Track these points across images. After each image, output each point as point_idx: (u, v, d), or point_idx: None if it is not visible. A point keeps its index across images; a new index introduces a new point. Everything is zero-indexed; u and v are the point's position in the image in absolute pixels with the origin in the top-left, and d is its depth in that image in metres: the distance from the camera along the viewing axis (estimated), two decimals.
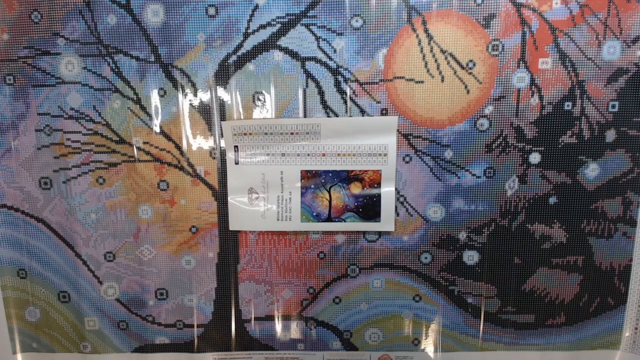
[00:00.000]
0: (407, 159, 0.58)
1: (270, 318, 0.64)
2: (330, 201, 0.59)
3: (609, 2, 0.52)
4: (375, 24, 0.54)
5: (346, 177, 0.58)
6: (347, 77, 0.56)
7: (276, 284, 0.63)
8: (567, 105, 0.55)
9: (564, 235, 0.59)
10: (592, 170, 0.57)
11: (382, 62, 0.55)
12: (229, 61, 0.56)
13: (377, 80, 0.55)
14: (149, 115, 0.58)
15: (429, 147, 0.57)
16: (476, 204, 0.59)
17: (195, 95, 0.57)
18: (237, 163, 0.58)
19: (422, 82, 0.55)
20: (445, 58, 0.54)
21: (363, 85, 0.56)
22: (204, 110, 0.57)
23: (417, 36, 0.54)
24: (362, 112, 0.56)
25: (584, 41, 0.53)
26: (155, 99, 0.57)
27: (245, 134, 0.57)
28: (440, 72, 0.55)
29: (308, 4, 0.54)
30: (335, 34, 0.54)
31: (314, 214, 0.59)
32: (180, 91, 0.57)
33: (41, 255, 0.62)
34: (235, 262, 0.62)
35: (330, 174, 0.58)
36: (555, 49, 0.54)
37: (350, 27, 0.54)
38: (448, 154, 0.57)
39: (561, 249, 0.59)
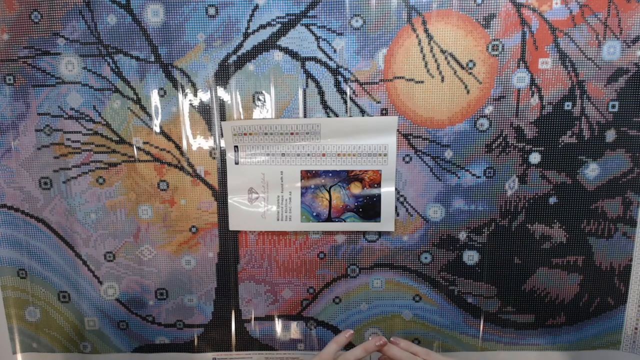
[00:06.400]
0: (407, 159, 0.58)
1: (270, 318, 0.64)
2: (330, 201, 0.59)
3: (609, 2, 0.52)
4: (375, 24, 0.54)
5: (346, 177, 0.58)
6: (347, 77, 0.56)
7: (276, 284, 0.63)
8: (567, 105, 0.55)
9: (564, 235, 0.59)
10: (592, 170, 0.57)
11: (382, 62, 0.55)
12: (229, 61, 0.56)
13: (377, 80, 0.55)
14: (149, 115, 0.58)
15: (429, 147, 0.57)
16: (476, 204, 0.59)
17: (195, 95, 0.57)
18: (237, 163, 0.58)
19: (422, 82, 0.55)
20: (445, 58, 0.54)
21: (363, 85, 0.56)
22: (204, 110, 0.57)
23: (417, 36, 0.54)
24: (362, 112, 0.56)
25: (584, 41, 0.53)
26: (155, 99, 0.57)
27: (245, 134, 0.57)
28: (440, 72, 0.55)
29: (308, 4, 0.54)
30: (335, 34, 0.54)
31: (314, 214, 0.59)
32: (180, 91, 0.57)
33: (41, 255, 0.62)
34: (235, 262, 0.62)
35: (330, 174, 0.58)
36: (555, 49, 0.54)
37: (350, 27, 0.54)
38: (448, 154, 0.57)
39: (561, 249, 0.59)
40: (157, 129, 0.58)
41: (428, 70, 0.55)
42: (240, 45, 0.55)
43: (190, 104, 0.57)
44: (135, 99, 0.57)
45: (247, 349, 0.65)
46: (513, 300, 0.61)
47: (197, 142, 0.58)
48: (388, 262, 0.61)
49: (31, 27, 0.55)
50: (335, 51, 0.55)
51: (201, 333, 0.65)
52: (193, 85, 0.57)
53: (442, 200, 0.59)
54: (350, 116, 0.57)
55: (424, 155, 0.57)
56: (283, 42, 0.55)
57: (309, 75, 0.56)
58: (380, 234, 0.60)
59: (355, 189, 0.58)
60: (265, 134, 0.57)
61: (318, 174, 0.58)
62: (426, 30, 0.54)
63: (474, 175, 0.58)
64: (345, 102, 0.56)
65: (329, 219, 0.59)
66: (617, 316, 0.61)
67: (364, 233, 0.60)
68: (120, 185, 0.60)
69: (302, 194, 0.59)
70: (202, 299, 0.63)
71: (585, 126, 0.56)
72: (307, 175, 0.58)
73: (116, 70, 0.56)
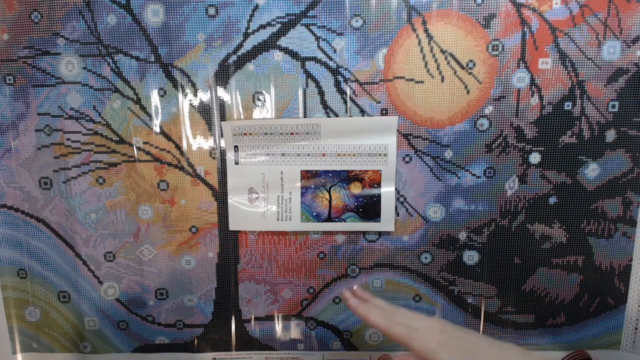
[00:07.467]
0: (407, 159, 0.58)
1: (270, 318, 0.64)
2: (330, 201, 0.59)
3: (609, 2, 0.52)
4: (375, 24, 0.54)
5: (346, 177, 0.58)
6: (347, 77, 0.56)
7: (276, 284, 0.63)
8: (567, 105, 0.55)
9: (564, 235, 0.59)
10: (592, 170, 0.57)
11: (382, 62, 0.55)
12: (229, 61, 0.56)
13: (377, 80, 0.55)
14: (149, 115, 0.58)
15: (429, 147, 0.57)
16: (476, 204, 0.59)
17: (195, 95, 0.57)
18: (237, 163, 0.58)
19: (422, 82, 0.55)
20: (445, 58, 0.54)
21: (363, 85, 0.56)
22: (204, 110, 0.57)
23: (417, 36, 0.54)
24: (362, 112, 0.56)
25: (584, 41, 0.53)
26: (155, 99, 0.57)
27: (245, 134, 0.57)
28: (440, 72, 0.55)
29: (308, 4, 0.54)
30: (335, 34, 0.54)
31: (314, 214, 0.59)
32: (180, 91, 0.57)
33: (41, 255, 0.62)
34: (235, 262, 0.62)
35: (330, 174, 0.58)
36: (555, 49, 0.54)
37: (350, 27, 0.54)
38: (448, 154, 0.57)
39: (561, 249, 0.59)
40: (157, 129, 0.58)
41: (428, 70, 0.55)
42: (240, 45, 0.55)
43: (190, 104, 0.57)
44: (135, 99, 0.57)
45: (247, 349, 0.65)
46: (513, 300, 0.61)
47: (197, 142, 0.58)
48: (388, 262, 0.61)
49: (31, 27, 0.55)
50: (335, 51, 0.55)
51: (201, 333, 0.65)
52: (193, 85, 0.57)
53: (442, 200, 0.59)
54: (350, 116, 0.57)
55: (424, 155, 0.57)
56: (283, 42, 0.55)
57: (309, 75, 0.56)
58: (380, 234, 0.60)
59: (355, 189, 0.58)
60: (265, 134, 0.57)
61: (318, 174, 0.58)
62: (426, 30, 0.54)
63: (474, 175, 0.58)
64: (345, 102, 0.56)
65: (329, 219, 0.59)
66: (617, 316, 0.61)
67: (364, 233, 0.60)
68: (120, 185, 0.60)
69: (302, 194, 0.59)
70: (202, 299, 0.63)
71: (585, 126, 0.56)
72: (307, 175, 0.58)
73: (116, 70, 0.56)
